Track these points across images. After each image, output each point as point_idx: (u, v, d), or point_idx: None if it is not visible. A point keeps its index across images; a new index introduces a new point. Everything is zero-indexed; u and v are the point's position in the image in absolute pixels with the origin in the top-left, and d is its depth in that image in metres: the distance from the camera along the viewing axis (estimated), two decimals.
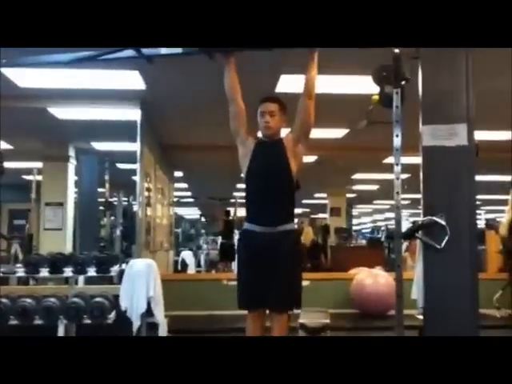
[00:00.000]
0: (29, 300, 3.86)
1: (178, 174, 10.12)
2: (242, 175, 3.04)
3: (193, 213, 18.91)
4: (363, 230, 23.20)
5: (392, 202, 2.59)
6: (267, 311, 2.88)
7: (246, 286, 2.90)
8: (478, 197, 2.72)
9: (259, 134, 3.07)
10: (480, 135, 2.58)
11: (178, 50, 2.63)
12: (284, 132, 3.02)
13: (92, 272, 4.02)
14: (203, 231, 15.01)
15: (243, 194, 3.05)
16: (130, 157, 5.57)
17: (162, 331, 4.01)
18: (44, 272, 4.01)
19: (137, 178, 5.45)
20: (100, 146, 7.13)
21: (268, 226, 2.84)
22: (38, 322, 3.81)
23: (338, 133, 6.60)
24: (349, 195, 14.11)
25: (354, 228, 20.00)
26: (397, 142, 2.56)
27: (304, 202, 15.24)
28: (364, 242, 16.70)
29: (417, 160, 2.55)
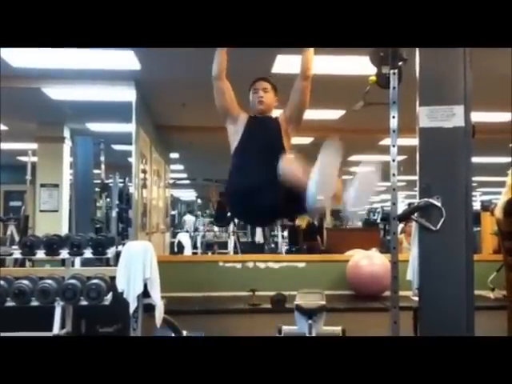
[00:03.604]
0: (25, 282, 3.87)
1: (174, 155, 10.09)
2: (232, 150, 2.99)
3: (189, 195, 18.90)
4: (359, 212, 23.22)
5: (388, 184, 2.59)
6: None
7: None
8: (474, 178, 2.72)
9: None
10: (476, 116, 2.57)
11: None
12: (275, 113, 3.01)
13: (88, 254, 4.02)
14: (199, 213, 15.01)
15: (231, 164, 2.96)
16: (125, 138, 5.53)
17: (159, 312, 4.03)
18: (40, 254, 4.01)
19: (132, 160, 5.43)
20: (95, 127, 7.09)
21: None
22: (34, 303, 3.82)
23: (335, 114, 6.58)
24: (345, 177, 14.09)
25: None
26: (393, 123, 2.55)
27: None
28: (360, 223, 16.75)
29: (413, 142, 2.54)
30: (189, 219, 12.63)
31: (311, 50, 2.78)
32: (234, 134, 2.92)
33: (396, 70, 2.54)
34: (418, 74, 2.54)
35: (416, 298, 2.60)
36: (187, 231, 12.01)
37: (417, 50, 2.53)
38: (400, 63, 2.55)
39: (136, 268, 3.97)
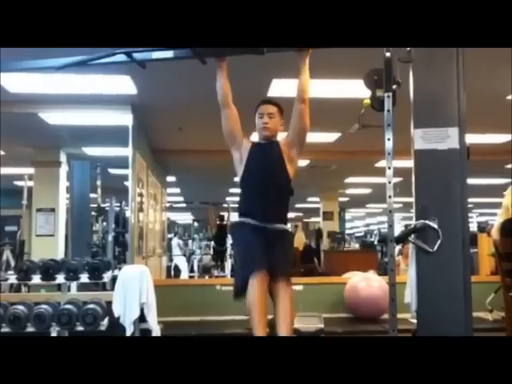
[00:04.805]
0: (21, 307, 3.83)
1: (171, 178, 10.10)
2: (237, 179, 3.03)
3: (185, 218, 18.88)
4: (356, 234, 23.25)
5: (384, 206, 2.59)
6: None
7: (249, 250, 2.79)
8: (470, 200, 2.73)
9: (252, 138, 3.08)
10: (472, 138, 2.59)
11: (170, 55, 2.62)
12: (280, 136, 3.03)
13: (84, 278, 3.99)
14: (196, 236, 14.98)
15: (236, 199, 3.05)
16: (122, 162, 5.54)
17: None
18: (36, 279, 3.98)
19: (129, 184, 5.43)
20: (92, 151, 7.12)
21: (269, 223, 2.83)
22: (30, 329, 3.78)
23: (330, 137, 6.62)
24: (341, 199, 14.15)
25: (347, 232, 20.04)
26: (389, 145, 2.56)
27: (297, 206, 15.26)
28: (357, 245, 16.74)
29: (409, 163, 2.55)
30: (174, 243, 12.39)
31: (306, 72, 2.81)
32: (239, 160, 2.95)
33: (390, 93, 2.56)
34: (412, 97, 2.56)
35: (414, 321, 2.58)
36: (185, 255, 11.96)
37: (410, 72, 2.56)
38: (394, 86, 2.57)
39: (132, 293, 3.95)
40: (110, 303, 3.98)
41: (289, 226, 3.03)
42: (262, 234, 2.80)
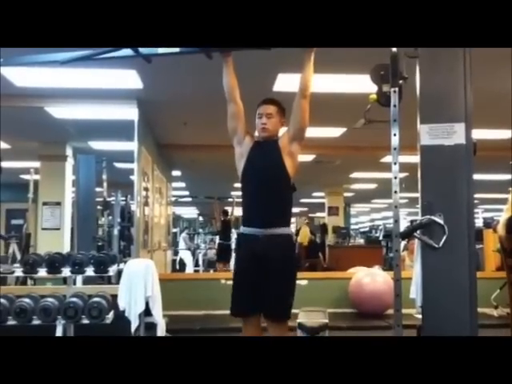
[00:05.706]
0: (27, 300, 3.85)
1: (176, 173, 10.12)
2: (239, 174, 3.05)
3: (190, 212, 18.92)
4: (361, 229, 23.23)
5: (390, 201, 2.59)
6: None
7: (239, 294, 2.95)
8: (476, 195, 2.72)
9: (256, 134, 3.08)
10: (477, 134, 2.58)
11: (176, 49, 2.63)
12: (282, 131, 3.03)
13: (90, 272, 4.00)
14: (201, 230, 15.01)
15: (240, 194, 3.07)
16: (127, 156, 5.55)
17: (160, 331, 4.01)
18: (42, 272, 4.00)
19: (134, 178, 5.44)
20: (97, 145, 7.12)
21: (264, 227, 2.84)
22: (36, 322, 3.80)
23: (336, 132, 6.60)
24: (346, 194, 14.13)
25: (352, 227, 20.02)
26: (394, 140, 2.56)
27: (302, 201, 15.26)
28: (362, 241, 16.72)
29: (415, 159, 2.55)
30: (183, 237, 12.64)
31: (310, 68, 2.81)
32: (240, 157, 2.99)
33: (396, 89, 2.55)
34: (418, 92, 2.55)
35: (419, 316, 2.58)
36: (189, 249, 12.00)
37: (417, 67, 2.55)
38: (400, 81, 2.56)
39: (137, 286, 3.96)
40: (115, 297, 3.99)
41: (291, 225, 3.04)
42: (259, 250, 2.84)
